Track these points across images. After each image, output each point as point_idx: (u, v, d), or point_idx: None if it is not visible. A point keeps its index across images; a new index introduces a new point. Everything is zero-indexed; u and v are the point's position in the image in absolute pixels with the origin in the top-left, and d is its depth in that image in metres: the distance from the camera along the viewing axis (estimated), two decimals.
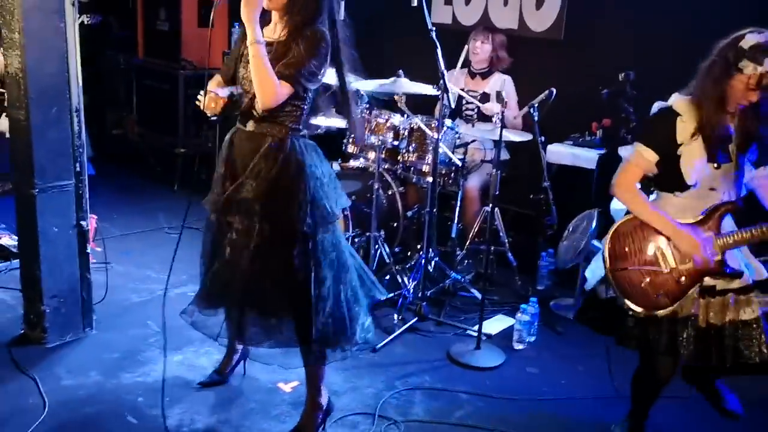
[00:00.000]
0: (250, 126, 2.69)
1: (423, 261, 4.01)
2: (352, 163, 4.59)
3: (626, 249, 2.61)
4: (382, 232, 4.29)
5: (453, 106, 4.38)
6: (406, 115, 4.19)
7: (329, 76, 2.73)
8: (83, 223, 3.43)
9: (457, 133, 4.34)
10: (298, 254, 2.66)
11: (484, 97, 4.72)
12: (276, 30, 2.67)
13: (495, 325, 3.98)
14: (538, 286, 4.50)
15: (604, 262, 2.63)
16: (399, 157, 4.26)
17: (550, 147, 4.54)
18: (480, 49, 4.77)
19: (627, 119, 4.31)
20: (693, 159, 2.50)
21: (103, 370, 3.26)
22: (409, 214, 4.56)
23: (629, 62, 4.42)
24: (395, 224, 4.47)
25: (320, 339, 2.73)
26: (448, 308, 4.14)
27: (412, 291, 4.06)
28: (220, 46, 6.21)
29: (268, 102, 2.55)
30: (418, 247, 4.33)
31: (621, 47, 4.67)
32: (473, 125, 4.59)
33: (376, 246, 4.22)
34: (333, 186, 2.77)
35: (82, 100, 3.33)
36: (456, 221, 4.50)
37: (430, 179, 4.01)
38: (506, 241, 4.46)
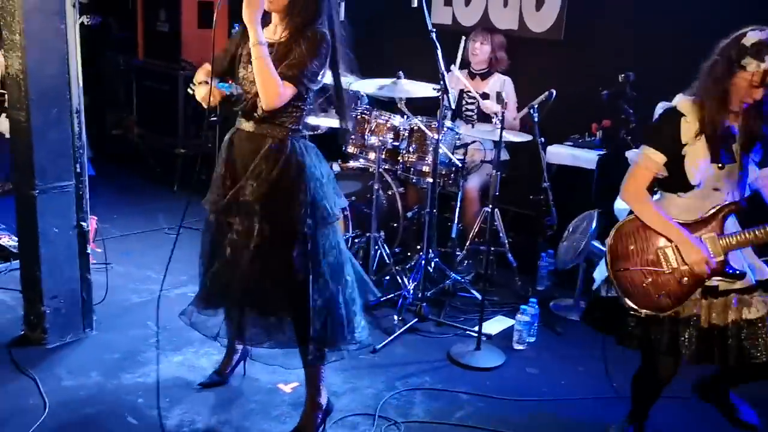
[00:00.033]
0: (250, 127, 2.70)
1: (423, 261, 4.01)
2: (352, 164, 4.60)
3: (628, 249, 2.61)
4: (382, 233, 4.30)
5: (453, 106, 4.38)
6: (406, 116, 4.20)
7: (326, 77, 2.73)
8: (83, 223, 3.43)
9: (457, 133, 4.34)
10: (298, 255, 2.67)
11: (484, 98, 4.72)
12: (276, 31, 2.68)
13: (495, 325, 3.98)
14: (538, 286, 4.50)
15: (606, 262, 2.63)
16: (399, 158, 4.26)
17: (550, 148, 4.55)
18: (479, 50, 4.77)
19: (627, 120, 4.31)
20: (697, 159, 2.49)
21: (104, 370, 3.26)
22: (409, 214, 4.56)
23: (629, 63, 4.42)
24: (395, 225, 4.47)
25: (318, 339, 2.73)
26: (448, 309, 4.14)
27: (412, 291, 4.06)
28: (221, 47, 6.19)
29: (272, 103, 2.55)
30: (418, 247, 4.33)
31: (621, 48, 4.67)
32: (473, 126, 4.59)
33: (376, 246, 4.23)
34: (332, 186, 2.78)
35: (83, 101, 3.34)
36: (456, 222, 4.50)
37: (430, 180, 4.01)
38: (506, 241, 4.46)
